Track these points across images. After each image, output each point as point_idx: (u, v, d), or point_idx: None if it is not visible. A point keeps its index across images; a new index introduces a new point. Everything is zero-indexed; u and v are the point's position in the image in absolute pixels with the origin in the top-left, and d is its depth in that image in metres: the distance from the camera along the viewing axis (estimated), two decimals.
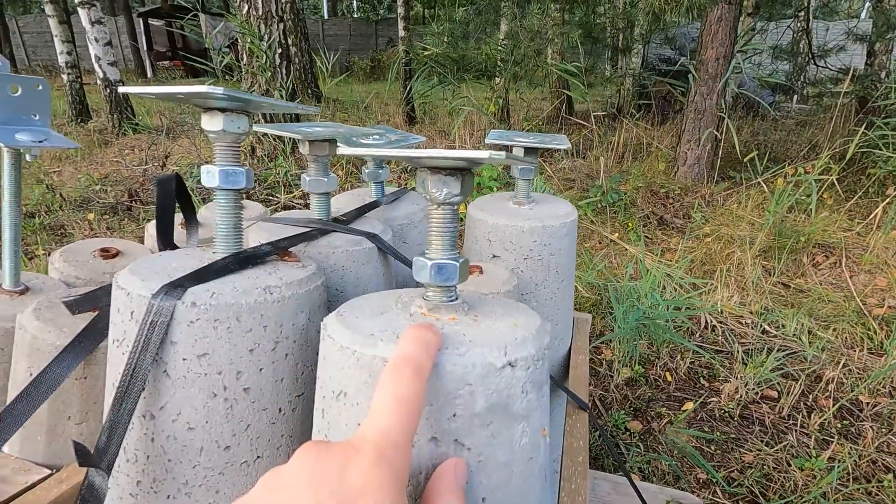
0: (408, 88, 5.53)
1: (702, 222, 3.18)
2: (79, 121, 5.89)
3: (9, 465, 0.55)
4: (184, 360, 0.44)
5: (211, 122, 0.48)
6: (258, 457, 0.47)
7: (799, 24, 6.58)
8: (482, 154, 0.34)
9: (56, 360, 0.52)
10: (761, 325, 2.18)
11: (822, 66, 6.22)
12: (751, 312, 2.29)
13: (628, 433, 1.62)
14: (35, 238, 2.76)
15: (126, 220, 3.18)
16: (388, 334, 0.37)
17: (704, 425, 1.68)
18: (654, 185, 3.81)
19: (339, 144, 0.69)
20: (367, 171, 0.87)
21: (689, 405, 1.74)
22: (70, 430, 0.57)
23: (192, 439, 0.45)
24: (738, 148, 3.45)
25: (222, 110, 0.48)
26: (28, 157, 0.54)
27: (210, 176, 0.49)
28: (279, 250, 0.56)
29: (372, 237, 0.67)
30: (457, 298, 0.43)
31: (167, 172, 0.66)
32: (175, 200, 0.70)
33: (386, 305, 0.44)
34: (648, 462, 1.51)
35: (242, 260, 0.51)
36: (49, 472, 0.55)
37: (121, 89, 0.46)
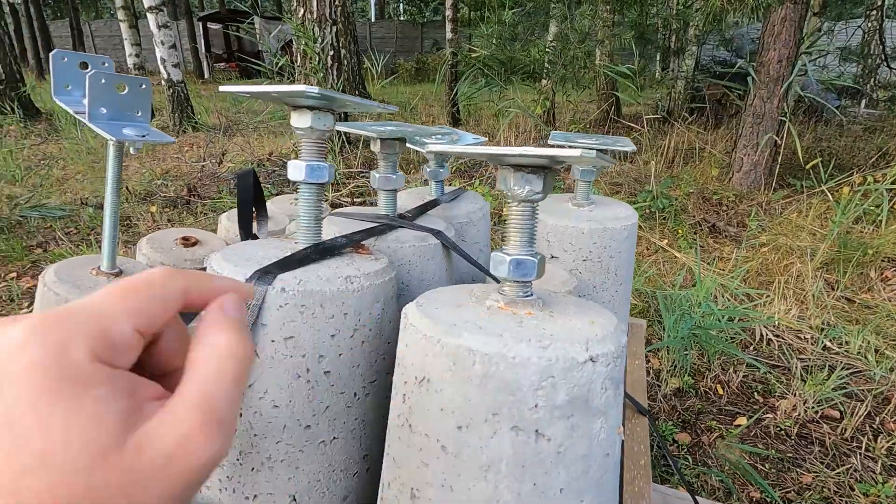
0: (454, 90, 5.56)
1: (758, 231, 3.05)
2: None
3: None
4: (272, 341, 0.47)
5: (300, 120, 0.51)
6: (335, 437, 0.50)
7: (870, 24, 6.18)
8: (573, 152, 0.35)
9: None
10: (822, 341, 2.07)
11: None
12: (810, 327, 2.17)
13: (676, 445, 1.58)
14: None
15: (185, 213, 3.35)
16: (470, 325, 0.39)
17: (759, 442, 1.61)
18: (707, 191, 3.67)
19: (407, 142, 0.71)
20: (428, 169, 0.89)
21: (743, 420, 1.67)
22: None
23: (276, 417, 0.48)
24: (800, 154, 3.28)
25: (310, 108, 0.51)
26: (132, 151, 0.59)
27: (296, 170, 0.52)
28: (353, 243, 0.59)
29: (437, 233, 0.69)
30: (532, 294, 0.44)
31: (245, 168, 0.70)
32: (252, 194, 0.74)
33: (461, 299, 0.45)
34: (697, 476, 1.46)
35: (322, 251, 0.53)
36: None
37: (221, 88, 0.50)
